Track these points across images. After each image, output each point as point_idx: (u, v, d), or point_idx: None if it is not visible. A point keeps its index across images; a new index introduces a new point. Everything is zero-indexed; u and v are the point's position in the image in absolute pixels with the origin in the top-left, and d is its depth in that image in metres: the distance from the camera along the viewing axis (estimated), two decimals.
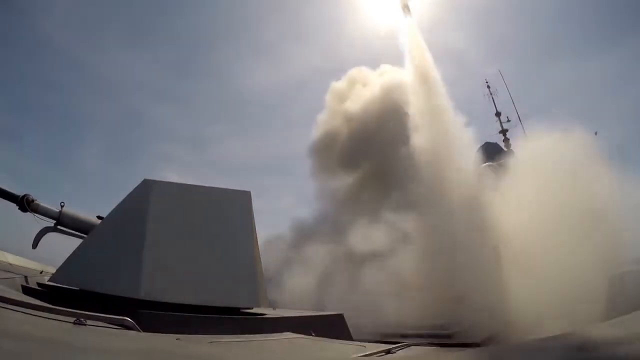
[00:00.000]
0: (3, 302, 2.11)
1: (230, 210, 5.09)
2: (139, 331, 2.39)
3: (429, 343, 6.87)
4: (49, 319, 2.11)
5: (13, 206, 5.07)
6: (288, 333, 4.33)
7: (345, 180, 18.53)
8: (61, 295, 4.21)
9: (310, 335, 4.32)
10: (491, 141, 30.61)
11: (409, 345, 3.73)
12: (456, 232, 11.00)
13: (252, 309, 5.05)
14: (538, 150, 13.06)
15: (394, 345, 3.49)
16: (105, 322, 2.32)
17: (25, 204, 5.01)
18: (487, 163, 29.00)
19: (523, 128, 29.16)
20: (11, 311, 2.04)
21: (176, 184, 5.36)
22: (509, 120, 30.80)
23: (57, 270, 4.61)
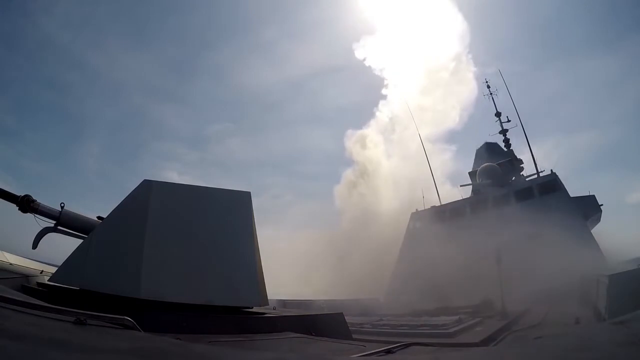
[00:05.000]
0: (3, 302, 2.11)
1: (230, 210, 5.10)
2: (139, 331, 2.39)
3: (429, 343, 6.88)
4: (49, 318, 2.11)
5: (13, 206, 5.07)
6: (288, 332, 4.33)
7: None
8: (61, 295, 4.22)
9: (311, 334, 4.33)
10: (491, 141, 30.72)
11: (409, 345, 3.73)
12: None
13: (252, 308, 5.06)
14: None
15: (394, 345, 3.49)
16: (105, 321, 2.32)
17: (25, 204, 5.00)
18: (486, 163, 29.09)
19: (523, 128, 29.29)
20: (11, 311, 2.04)
21: (176, 184, 5.36)
22: (509, 120, 30.87)
23: (57, 270, 4.61)
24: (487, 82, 32.48)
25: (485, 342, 8.31)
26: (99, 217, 5.23)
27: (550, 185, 24.46)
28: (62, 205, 5.21)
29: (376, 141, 34.53)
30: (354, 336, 6.02)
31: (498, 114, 31.62)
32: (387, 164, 34.41)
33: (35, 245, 5.19)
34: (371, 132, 35.17)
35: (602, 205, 24.88)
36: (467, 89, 33.09)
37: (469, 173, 30.28)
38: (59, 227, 5.22)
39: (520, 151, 30.21)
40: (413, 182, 31.40)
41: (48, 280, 4.89)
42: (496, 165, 27.88)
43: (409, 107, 33.12)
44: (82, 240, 4.84)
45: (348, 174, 34.13)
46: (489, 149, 30.20)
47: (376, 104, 36.06)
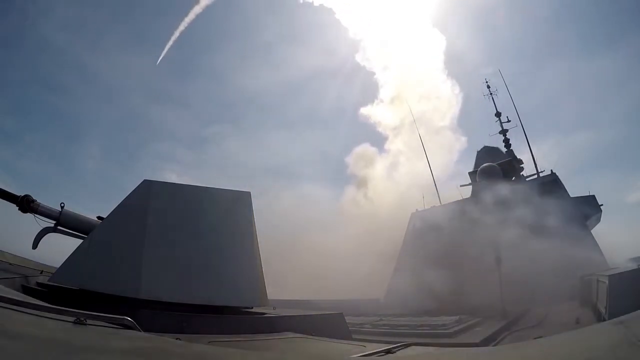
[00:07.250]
0: (3, 302, 2.10)
1: (230, 210, 5.10)
2: (139, 331, 2.39)
3: (429, 343, 6.89)
4: (49, 318, 2.11)
5: (13, 206, 5.07)
6: (288, 332, 4.34)
7: None
8: (61, 295, 4.22)
9: (311, 334, 4.33)
10: (491, 145, 30.72)
11: (409, 345, 3.72)
12: None
13: (252, 308, 5.06)
14: None
15: (394, 345, 3.49)
16: (105, 321, 2.32)
17: (25, 204, 5.00)
18: (486, 163, 29.00)
19: (523, 128, 29.28)
20: (11, 311, 2.04)
21: (176, 184, 5.37)
22: (508, 121, 30.84)
23: (57, 270, 4.61)
24: (487, 82, 32.43)
25: (485, 342, 8.32)
26: (99, 217, 5.23)
27: (550, 185, 24.43)
28: (62, 205, 5.21)
29: (378, 158, 34.69)
30: (354, 336, 6.03)
31: (498, 114, 31.59)
32: (386, 166, 34.41)
33: (35, 245, 5.19)
34: (372, 148, 35.33)
35: (602, 205, 24.89)
36: (453, 152, 33.52)
37: (469, 173, 30.24)
38: (59, 227, 5.22)
39: (520, 151, 30.19)
40: (413, 182, 31.36)
41: (48, 280, 4.88)
42: (496, 166, 27.84)
43: (410, 109, 33.05)
44: (82, 240, 4.85)
45: (349, 202, 33.95)
46: (488, 152, 30.13)
47: (376, 106, 35.99)
